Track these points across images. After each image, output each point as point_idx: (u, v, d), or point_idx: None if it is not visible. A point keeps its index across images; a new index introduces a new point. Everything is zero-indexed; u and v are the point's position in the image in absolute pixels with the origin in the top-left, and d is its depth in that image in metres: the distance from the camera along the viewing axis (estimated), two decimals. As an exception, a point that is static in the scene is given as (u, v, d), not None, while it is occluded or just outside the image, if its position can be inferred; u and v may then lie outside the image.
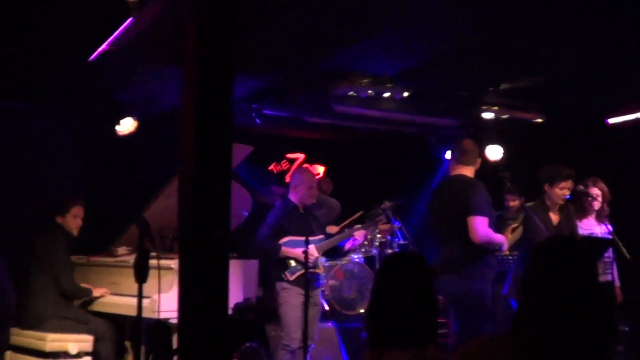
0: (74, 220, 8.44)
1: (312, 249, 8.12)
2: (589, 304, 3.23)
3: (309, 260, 7.83)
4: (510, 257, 9.04)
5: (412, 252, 4.09)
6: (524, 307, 3.38)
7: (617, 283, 8.66)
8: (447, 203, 7.57)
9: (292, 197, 8.44)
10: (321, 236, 8.52)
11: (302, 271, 7.93)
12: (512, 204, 10.28)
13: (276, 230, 8.20)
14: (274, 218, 8.33)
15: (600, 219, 8.55)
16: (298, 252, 7.99)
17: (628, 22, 7.74)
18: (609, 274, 8.54)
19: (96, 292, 8.34)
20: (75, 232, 8.46)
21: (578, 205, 8.56)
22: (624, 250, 8.16)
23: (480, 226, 7.23)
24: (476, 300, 7.29)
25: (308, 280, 7.78)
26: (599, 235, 8.43)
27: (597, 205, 8.52)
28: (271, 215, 8.44)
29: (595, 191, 8.51)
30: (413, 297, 3.78)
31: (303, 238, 7.84)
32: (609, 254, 8.42)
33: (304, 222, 8.33)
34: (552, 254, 3.38)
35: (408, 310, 3.76)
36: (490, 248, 7.37)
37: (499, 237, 7.47)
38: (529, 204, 8.05)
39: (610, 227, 8.41)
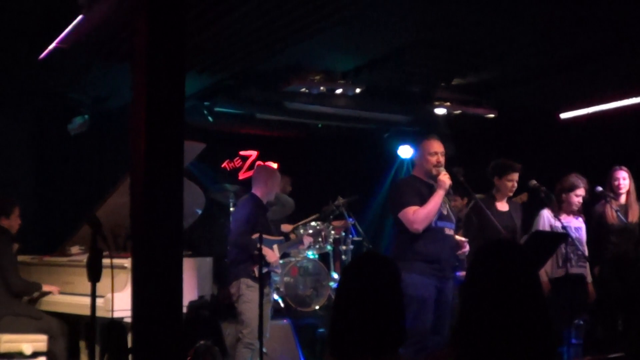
0: (17, 220, 8.43)
1: (277, 250, 8.18)
2: (530, 312, 3.16)
3: (274, 262, 7.91)
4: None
5: (379, 255, 3.88)
6: (464, 316, 3.30)
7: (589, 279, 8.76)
8: None
9: (259, 193, 8.40)
10: (282, 237, 8.54)
11: (267, 269, 7.95)
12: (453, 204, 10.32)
13: (252, 225, 8.11)
14: (249, 213, 8.23)
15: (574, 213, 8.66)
16: (270, 252, 7.98)
17: (579, 17, 7.81)
18: (583, 267, 8.63)
19: (45, 287, 8.31)
20: (16, 230, 8.46)
21: (559, 202, 8.62)
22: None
23: (409, 215, 7.22)
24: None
25: (266, 278, 7.80)
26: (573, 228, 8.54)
27: (580, 202, 8.63)
28: (244, 210, 8.31)
29: (582, 191, 8.60)
30: (381, 303, 3.57)
31: (269, 237, 7.90)
32: (583, 247, 8.57)
33: (266, 220, 8.34)
34: (490, 261, 3.31)
35: (377, 316, 3.54)
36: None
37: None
38: (477, 196, 8.11)
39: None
